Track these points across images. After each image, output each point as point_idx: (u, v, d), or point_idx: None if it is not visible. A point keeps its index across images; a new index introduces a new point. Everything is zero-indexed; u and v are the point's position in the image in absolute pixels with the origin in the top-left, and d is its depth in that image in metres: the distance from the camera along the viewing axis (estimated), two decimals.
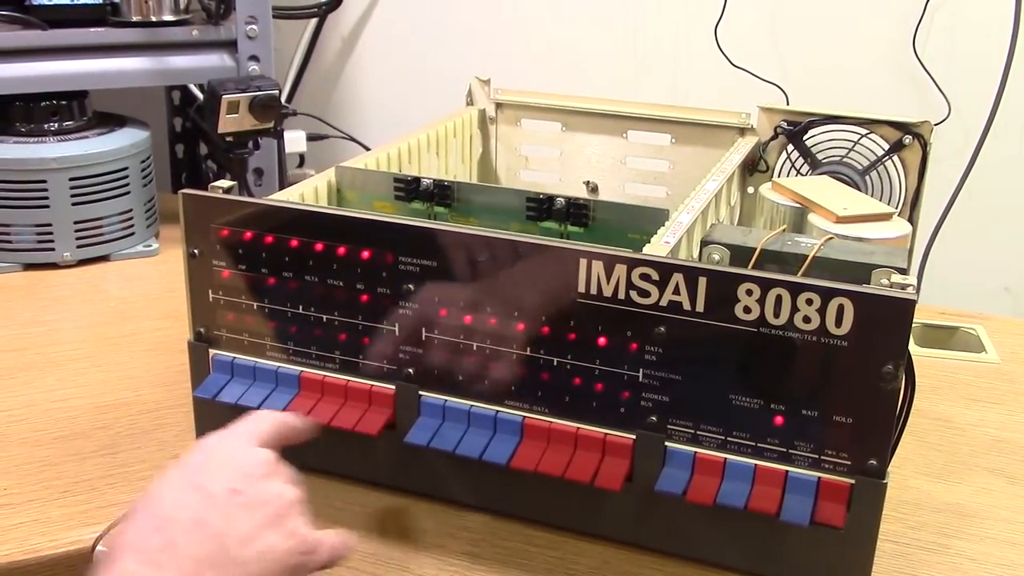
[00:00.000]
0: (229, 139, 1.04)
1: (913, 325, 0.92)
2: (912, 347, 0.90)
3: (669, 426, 0.58)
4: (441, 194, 0.77)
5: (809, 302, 0.53)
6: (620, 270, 0.57)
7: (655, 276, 0.56)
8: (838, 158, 0.90)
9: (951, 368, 0.87)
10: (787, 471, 0.57)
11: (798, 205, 0.78)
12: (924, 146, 0.87)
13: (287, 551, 0.50)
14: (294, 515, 0.52)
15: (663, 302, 0.56)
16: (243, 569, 0.48)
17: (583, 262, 0.57)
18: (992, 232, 1.22)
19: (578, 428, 0.60)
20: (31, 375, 0.82)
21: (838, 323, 0.53)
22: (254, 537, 0.49)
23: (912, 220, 0.88)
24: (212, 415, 0.69)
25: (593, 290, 0.57)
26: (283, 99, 1.25)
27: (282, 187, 1.04)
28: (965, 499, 0.68)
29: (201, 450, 0.53)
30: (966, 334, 0.93)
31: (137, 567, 0.46)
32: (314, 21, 1.42)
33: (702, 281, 0.55)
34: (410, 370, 0.63)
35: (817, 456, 0.56)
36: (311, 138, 1.33)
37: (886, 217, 0.75)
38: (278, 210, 0.64)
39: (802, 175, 0.91)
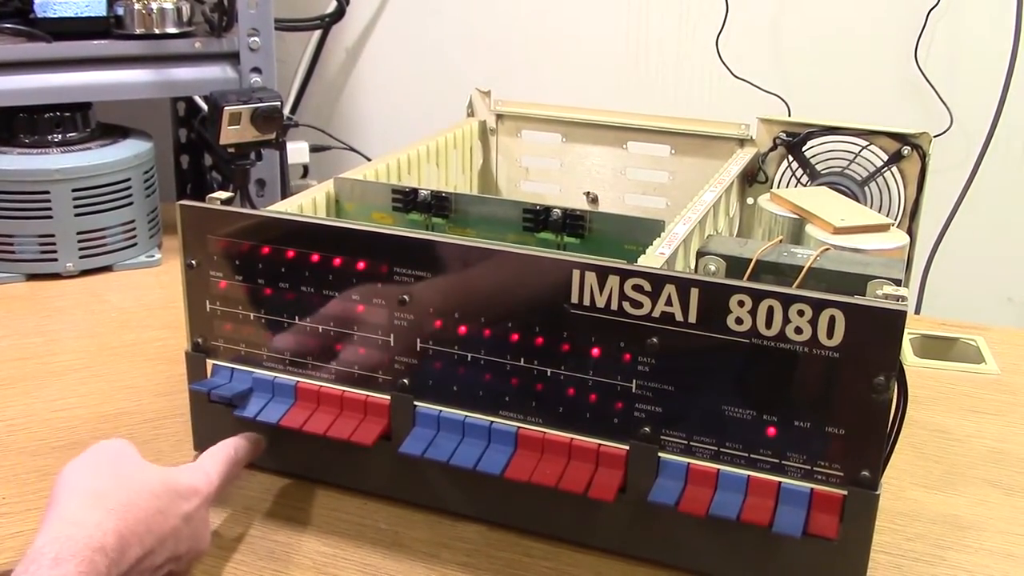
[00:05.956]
0: (231, 150, 1.05)
1: (912, 336, 0.93)
2: (911, 358, 0.91)
3: (662, 437, 0.59)
4: (439, 205, 0.77)
5: (801, 313, 0.54)
6: (613, 281, 0.57)
7: (647, 287, 0.56)
8: (838, 169, 0.91)
9: (950, 379, 0.87)
10: (780, 482, 0.57)
11: (796, 216, 0.78)
12: (923, 157, 0.87)
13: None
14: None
15: (656, 313, 0.56)
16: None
17: (576, 273, 0.57)
18: (995, 242, 1.22)
19: (572, 439, 0.61)
20: (31, 385, 0.82)
21: (830, 334, 0.53)
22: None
23: (911, 231, 0.88)
24: (209, 423, 0.69)
25: (586, 301, 0.58)
26: (287, 110, 1.26)
27: (284, 198, 1.04)
28: (961, 510, 0.68)
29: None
30: (965, 345, 0.92)
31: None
32: (318, 33, 1.43)
33: (694, 292, 0.55)
34: (405, 380, 0.64)
35: (810, 467, 0.56)
36: (314, 149, 1.34)
37: (883, 228, 0.75)
38: (275, 221, 0.65)
39: (802, 186, 0.91)
